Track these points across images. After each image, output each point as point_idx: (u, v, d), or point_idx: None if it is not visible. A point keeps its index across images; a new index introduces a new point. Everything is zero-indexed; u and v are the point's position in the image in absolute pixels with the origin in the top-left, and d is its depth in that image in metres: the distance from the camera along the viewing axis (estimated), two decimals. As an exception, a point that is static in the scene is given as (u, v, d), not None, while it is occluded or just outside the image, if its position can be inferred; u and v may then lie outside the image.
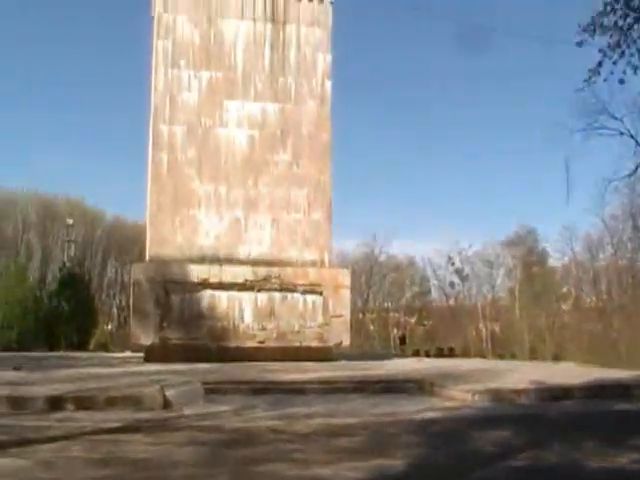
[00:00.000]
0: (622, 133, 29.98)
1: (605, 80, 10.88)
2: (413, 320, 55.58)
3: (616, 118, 29.55)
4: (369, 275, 52.24)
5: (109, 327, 48.80)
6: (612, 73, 10.64)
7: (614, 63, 10.37)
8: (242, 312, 18.47)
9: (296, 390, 12.09)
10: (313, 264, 19.23)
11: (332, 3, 20.43)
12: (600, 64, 10.64)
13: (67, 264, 41.74)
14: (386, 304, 55.31)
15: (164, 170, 19.03)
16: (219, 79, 19.62)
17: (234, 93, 19.64)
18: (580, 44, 10.66)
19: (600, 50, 10.43)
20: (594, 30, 10.37)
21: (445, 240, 67.61)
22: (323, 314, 18.80)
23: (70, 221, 42.74)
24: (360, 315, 48.20)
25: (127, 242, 48.00)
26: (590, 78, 10.74)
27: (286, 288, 18.65)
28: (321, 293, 18.83)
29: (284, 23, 20.15)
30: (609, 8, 10.34)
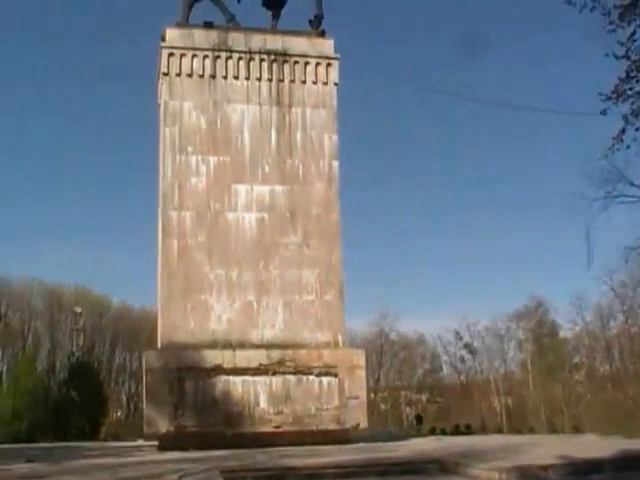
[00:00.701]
0: None
1: (628, 147, 10.93)
2: (425, 398, 55.08)
3: (634, 185, 29.56)
4: (380, 354, 51.93)
5: (119, 415, 48.33)
6: (635, 140, 10.72)
7: (637, 130, 10.41)
8: (257, 397, 18.20)
9: (316, 475, 11.83)
10: (327, 345, 19.04)
11: (336, 85, 20.64)
12: (623, 131, 10.69)
13: (76, 353, 41.49)
14: (397, 383, 54.89)
15: (174, 256, 18.99)
16: (227, 163, 19.71)
17: (242, 177, 19.71)
18: (604, 112, 10.73)
19: (623, 117, 10.48)
20: (617, 97, 10.44)
21: (454, 315, 67.30)
22: (339, 396, 18.53)
23: (78, 309, 42.63)
24: (372, 395, 47.77)
25: (135, 329, 47.89)
26: (613, 146, 10.79)
27: (301, 371, 18.43)
28: (336, 375, 18.58)
29: (289, 106, 20.33)
30: (632, 75, 10.43)
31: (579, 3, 10.78)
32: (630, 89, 10.69)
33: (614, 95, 10.55)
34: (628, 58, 10.89)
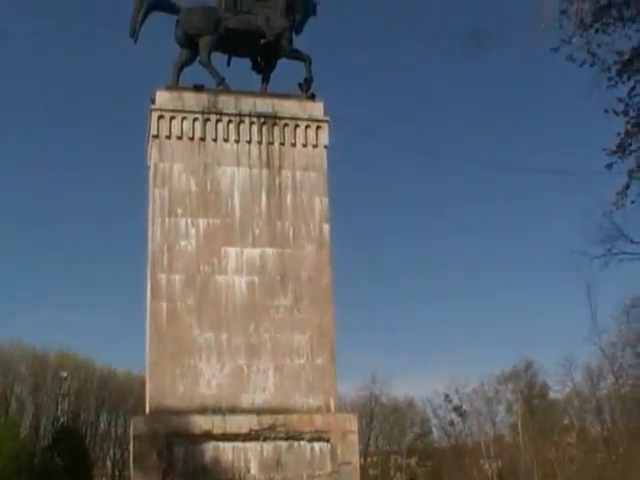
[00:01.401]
0: None
1: (633, 202, 10.95)
2: (415, 462, 54.35)
3: (635, 242, 29.58)
4: (369, 418, 51.40)
5: (103, 481, 47.48)
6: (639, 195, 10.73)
7: None
8: (248, 463, 17.82)
9: None
10: (319, 410, 18.73)
11: (326, 147, 20.65)
12: (627, 187, 10.70)
13: (61, 418, 40.91)
14: (387, 447, 54.18)
15: (163, 319, 18.73)
16: (217, 226, 19.58)
17: (232, 239, 19.56)
18: (610, 166, 10.77)
19: (628, 172, 10.50)
20: (622, 152, 10.47)
21: (443, 377, 66.94)
22: (331, 462, 18.16)
23: (64, 374, 42.13)
24: (361, 459, 47.18)
25: (120, 394, 47.28)
26: (618, 201, 10.79)
27: (292, 436, 18.08)
28: (328, 440, 18.24)
29: (280, 168, 20.29)
30: (632, 131, 10.47)
31: (579, 59, 10.84)
32: (630, 144, 10.74)
33: (619, 150, 10.59)
34: (627, 114, 10.94)
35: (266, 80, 21.46)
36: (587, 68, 11.22)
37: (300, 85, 21.17)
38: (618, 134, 11.25)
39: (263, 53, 21.40)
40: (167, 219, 19.40)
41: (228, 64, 21.43)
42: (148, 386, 18.86)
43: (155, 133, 19.87)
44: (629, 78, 10.92)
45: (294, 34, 21.49)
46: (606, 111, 11.20)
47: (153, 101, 20.07)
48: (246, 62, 21.79)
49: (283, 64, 21.61)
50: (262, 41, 20.87)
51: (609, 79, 10.98)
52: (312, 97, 20.97)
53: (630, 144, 10.82)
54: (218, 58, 21.17)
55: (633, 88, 10.98)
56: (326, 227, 20.14)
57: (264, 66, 21.55)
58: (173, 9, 20.91)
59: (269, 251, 19.66)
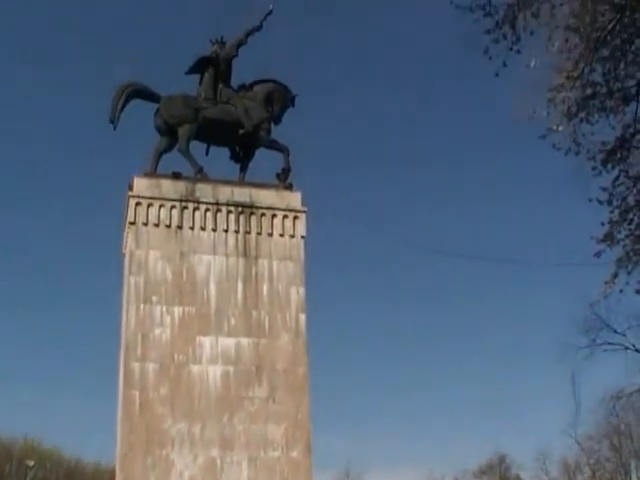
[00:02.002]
0: (627, 348, 29.77)
1: (621, 291, 11.00)
2: None
3: (618, 332, 29.52)
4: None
5: None
6: (628, 284, 10.79)
7: (629, 273, 10.50)
8: None
9: None
10: (292, 505, 18.29)
11: (303, 237, 20.65)
12: (616, 275, 10.75)
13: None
14: None
15: (135, 409, 18.34)
16: (192, 314, 19.38)
17: (207, 328, 19.35)
18: (598, 255, 10.83)
19: (617, 260, 10.56)
20: (612, 240, 10.55)
21: (420, 470, 66.06)
22: None
23: (31, 462, 41.12)
24: None
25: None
26: (606, 290, 10.82)
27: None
28: (302, 536, 17.79)
29: (256, 258, 20.23)
30: (623, 219, 10.58)
31: (564, 147, 10.98)
32: (619, 232, 10.85)
33: (607, 239, 10.71)
34: (610, 203, 11.06)
35: (244, 169, 21.57)
36: (570, 157, 11.38)
37: (278, 175, 21.29)
38: (602, 224, 11.36)
39: (241, 143, 21.56)
40: (142, 307, 19.18)
41: (207, 153, 21.57)
42: (118, 477, 18.36)
43: (132, 220, 19.80)
44: (613, 167, 11.08)
45: (272, 125, 21.69)
46: (590, 200, 11.33)
47: (131, 188, 20.06)
48: (224, 151, 21.93)
49: (261, 154, 21.78)
50: (241, 131, 21.05)
51: (593, 168, 11.13)
52: (290, 187, 21.06)
53: (619, 232, 10.93)
54: (197, 147, 21.33)
55: (617, 177, 11.12)
56: (302, 317, 20.00)
57: (242, 156, 21.68)
58: (153, 97, 21.09)
59: (244, 341, 19.45)
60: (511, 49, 10.48)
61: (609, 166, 11.07)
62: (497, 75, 10.64)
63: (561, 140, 11.14)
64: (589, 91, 10.89)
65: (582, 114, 10.99)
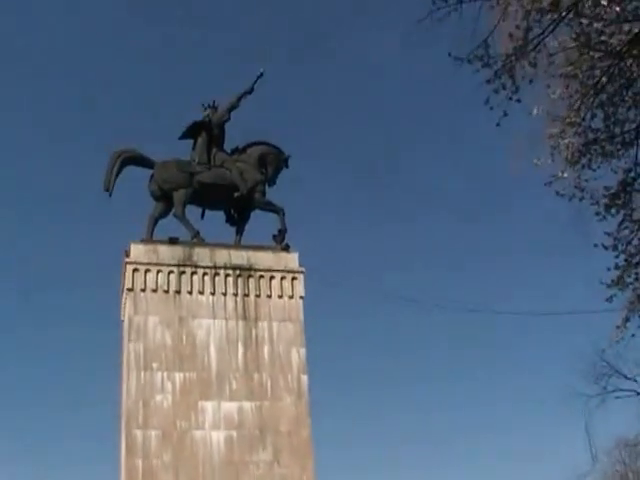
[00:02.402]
0: (639, 394, 29.51)
1: (633, 335, 10.95)
2: None
3: (629, 378, 29.31)
4: None
5: None
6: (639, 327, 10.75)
7: None
8: None
9: None
10: None
11: (302, 298, 20.55)
12: (627, 319, 10.73)
13: None
14: None
15: (139, 476, 17.95)
16: (193, 380, 19.13)
17: (209, 393, 19.09)
18: (610, 299, 10.79)
19: (630, 303, 10.54)
20: (624, 285, 10.54)
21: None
22: None
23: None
24: None
25: None
26: (618, 335, 10.77)
27: None
28: None
29: (256, 320, 20.09)
30: (629, 263, 10.59)
31: (568, 194, 11.03)
32: (629, 276, 10.86)
33: (618, 282, 10.70)
34: (616, 248, 11.09)
35: (240, 232, 21.54)
36: (572, 203, 11.45)
37: (274, 237, 21.26)
38: (608, 269, 11.37)
39: (237, 206, 21.57)
40: (142, 373, 18.92)
41: (202, 217, 21.57)
42: None
43: (130, 286, 19.65)
44: (617, 212, 11.14)
45: (267, 186, 21.75)
46: (595, 245, 11.37)
47: (128, 254, 19.95)
48: (220, 215, 21.91)
49: (257, 216, 21.78)
50: (236, 194, 21.07)
51: (597, 213, 11.20)
52: (287, 248, 21.02)
53: (629, 275, 10.94)
54: (192, 211, 21.32)
55: (622, 222, 11.18)
56: (304, 378, 19.80)
57: (238, 218, 21.68)
58: (147, 163, 21.13)
59: (247, 404, 19.18)
60: (511, 98, 10.58)
61: (613, 210, 11.13)
62: (498, 125, 10.73)
63: (565, 187, 11.23)
64: (590, 136, 11.01)
65: (584, 160, 11.09)
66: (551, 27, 9.86)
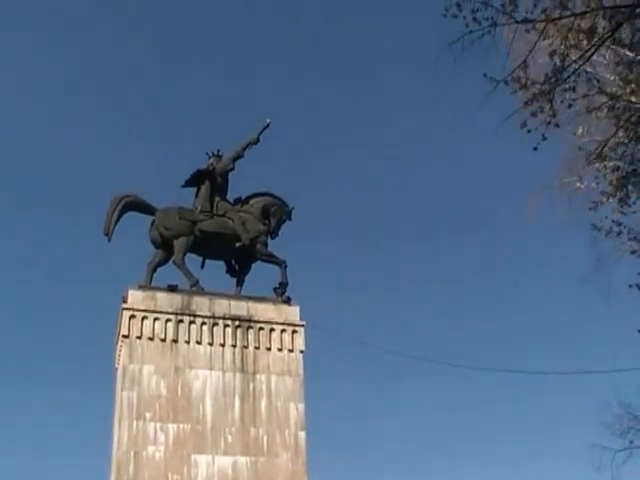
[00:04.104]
0: None
1: None
2: None
3: None
4: None
5: None
6: None
7: None
8: None
9: None
10: None
11: (302, 352, 20.00)
12: None
13: None
14: None
15: (128, 534, 17.13)
16: (187, 432, 18.40)
17: (203, 447, 18.35)
18: None
19: None
20: None
21: None
22: None
23: None
24: None
25: None
26: None
27: None
28: None
29: (254, 373, 19.47)
30: None
31: (605, 228, 10.70)
32: None
33: None
34: None
35: (240, 283, 21.08)
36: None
37: (275, 289, 20.80)
38: None
39: (238, 256, 21.16)
40: (135, 423, 18.20)
41: (202, 266, 21.11)
42: None
43: (126, 333, 19.05)
44: None
45: (269, 238, 21.37)
46: (630, 286, 11.02)
47: (125, 300, 19.41)
48: (220, 265, 21.46)
49: (258, 267, 21.35)
50: (237, 244, 20.67)
51: (632, 251, 10.85)
52: (288, 301, 20.55)
53: None
54: (192, 260, 20.86)
55: None
56: (302, 435, 19.11)
57: (239, 269, 21.25)
58: (149, 210, 20.75)
59: (242, 460, 18.45)
60: (549, 123, 10.29)
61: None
62: (536, 149, 10.43)
63: (602, 219, 10.90)
64: (629, 168, 10.71)
65: (622, 193, 10.77)
66: (588, 54, 9.62)
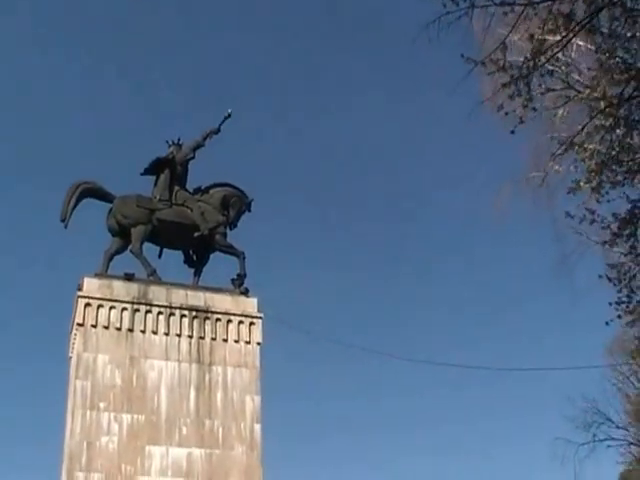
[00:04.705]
0: (631, 443, 28.79)
1: None
2: None
3: (620, 427, 28.59)
4: None
5: None
6: None
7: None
8: None
9: None
10: None
11: (259, 344, 19.81)
12: None
13: None
14: None
15: (79, 523, 16.82)
16: (141, 423, 18.13)
17: (157, 438, 18.10)
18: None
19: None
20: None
21: None
22: None
23: None
24: None
25: None
26: None
27: None
28: None
29: (210, 364, 19.25)
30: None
31: (578, 216, 10.68)
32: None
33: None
34: (619, 281, 10.77)
35: (198, 274, 20.84)
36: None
37: (233, 280, 20.60)
38: (610, 304, 11.03)
39: (196, 246, 20.90)
40: (88, 413, 17.90)
41: (159, 256, 20.80)
42: None
43: (80, 321, 18.72)
44: (627, 240, 10.81)
45: (228, 229, 21.14)
46: (600, 276, 11.05)
47: (80, 288, 19.08)
48: (177, 255, 21.18)
49: (216, 258, 21.14)
50: (196, 234, 20.40)
51: (604, 242, 10.88)
52: (246, 292, 20.36)
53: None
54: (149, 249, 20.56)
55: (629, 252, 10.84)
56: (257, 427, 18.94)
57: (197, 259, 21.00)
58: (107, 197, 20.42)
59: (197, 452, 18.23)
60: (526, 106, 10.25)
61: (624, 237, 10.81)
62: (513, 132, 10.40)
63: (579, 205, 10.90)
64: (602, 159, 10.67)
65: (604, 176, 10.71)
66: (565, 40, 9.59)
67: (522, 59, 9.90)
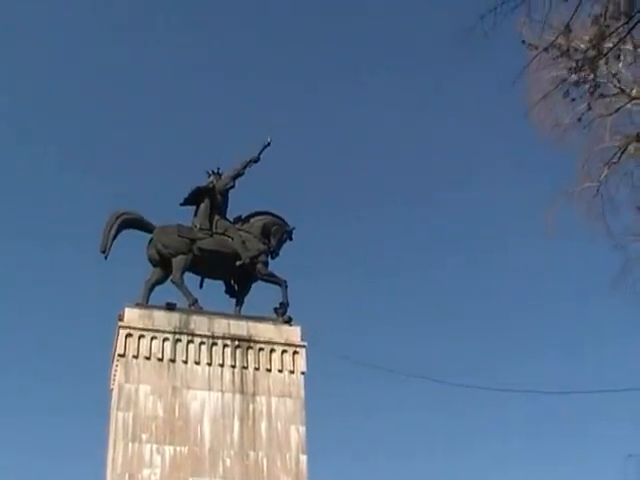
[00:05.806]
0: None
1: None
2: None
3: None
4: None
5: None
6: None
7: None
8: None
9: None
10: None
11: (303, 374, 19.41)
12: None
13: None
14: None
15: None
16: (184, 455, 17.74)
17: (201, 470, 17.68)
18: None
19: None
20: None
21: None
22: None
23: None
24: None
25: None
26: None
27: None
28: None
29: (254, 394, 18.87)
30: None
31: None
32: None
33: None
34: None
35: (240, 303, 20.57)
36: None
37: (276, 309, 20.27)
38: None
39: (237, 275, 20.64)
40: (130, 445, 17.56)
41: (201, 286, 20.58)
42: None
43: (122, 352, 18.48)
44: None
45: (270, 258, 20.88)
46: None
47: (121, 318, 18.86)
48: (219, 285, 20.94)
49: (257, 287, 20.84)
50: (237, 263, 20.17)
51: None
52: (288, 321, 20.02)
53: None
54: (190, 279, 20.33)
55: None
56: (303, 458, 18.45)
57: (238, 289, 20.73)
58: (147, 227, 20.29)
59: (241, 485, 17.78)
60: (592, 93, 9.85)
61: None
62: (580, 120, 10.01)
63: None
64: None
65: None
66: (627, 27, 9.20)
67: (587, 41, 9.53)
